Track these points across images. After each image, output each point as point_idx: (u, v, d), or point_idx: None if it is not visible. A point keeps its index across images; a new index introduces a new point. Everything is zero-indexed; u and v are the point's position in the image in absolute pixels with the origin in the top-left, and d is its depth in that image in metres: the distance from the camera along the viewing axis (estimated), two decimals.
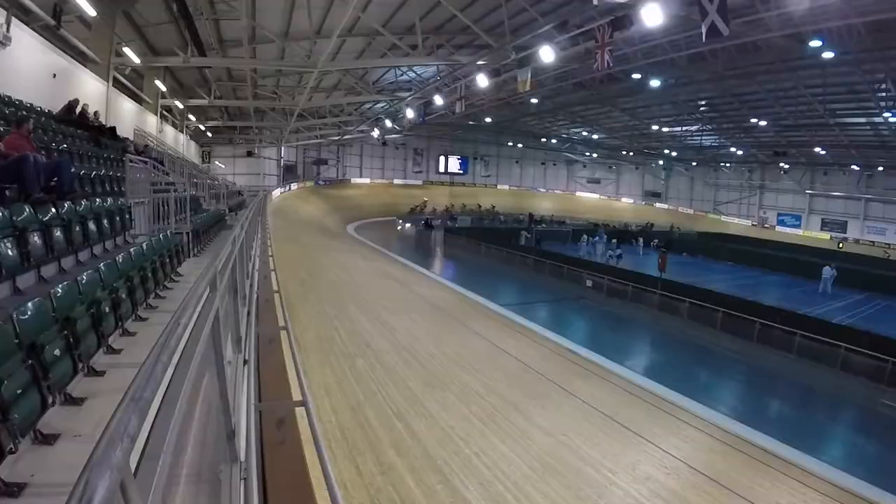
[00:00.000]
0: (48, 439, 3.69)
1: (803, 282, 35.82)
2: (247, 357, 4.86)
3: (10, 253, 5.26)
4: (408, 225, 57.36)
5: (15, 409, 3.47)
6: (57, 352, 4.28)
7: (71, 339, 4.59)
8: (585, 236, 47.00)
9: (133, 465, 1.18)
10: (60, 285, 4.96)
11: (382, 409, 8.41)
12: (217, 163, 50.04)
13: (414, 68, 37.45)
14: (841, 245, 54.29)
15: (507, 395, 10.51)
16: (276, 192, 49.47)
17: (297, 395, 4.78)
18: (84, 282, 5.45)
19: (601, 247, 44.11)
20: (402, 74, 39.78)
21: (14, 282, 5.35)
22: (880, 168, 50.72)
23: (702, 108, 47.20)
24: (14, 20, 14.40)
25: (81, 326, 4.83)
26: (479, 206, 70.29)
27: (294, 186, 57.85)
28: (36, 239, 5.83)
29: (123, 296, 6.17)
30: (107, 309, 5.54)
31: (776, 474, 9.24)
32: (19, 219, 5.58)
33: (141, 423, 1.12)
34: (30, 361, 3.84)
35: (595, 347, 17.42)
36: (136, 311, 6.71)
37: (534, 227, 56.26)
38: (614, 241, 43.45)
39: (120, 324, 5.99)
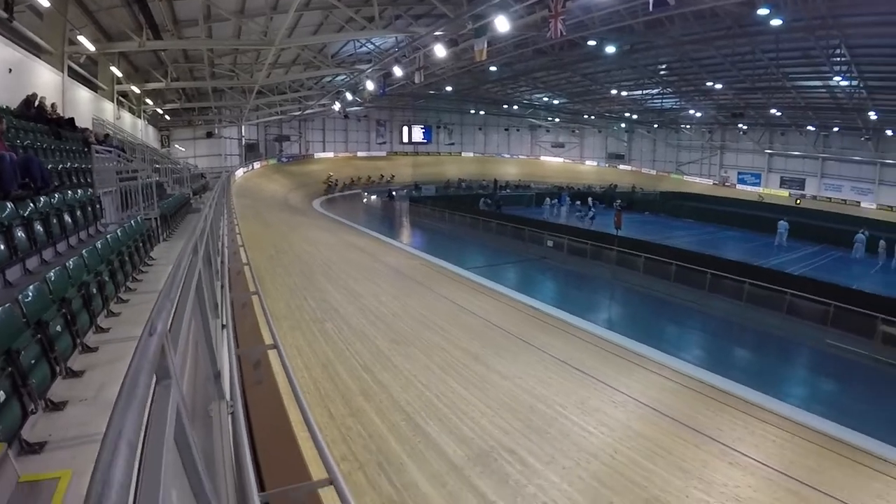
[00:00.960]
0: (58, 406, 4.37)
1: (761, 236, 37.16)
2: (224, 322, 5.58)
3: (0, 247, 5.86)
4: (373, 197, 57.65)
5: (32, 376, 4.16)
6: (58, 328, 4.96)
7: (68, 317, 5.26)
8: (548, 199, 47.98)
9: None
10: (53, 271, 5.59)
11: (351, 364, 9.24)
12: (177, 146, 49.39)
13: (372, 40, 37.50)
14: (798, 201, 55.65)
15: (468, 347, 11.31)
16: (240, 172, 49.32)
17: (268, 339, 5.56)
18: (72, 267, 6.07)
19: (566, 209, 45.23)
20: (361, 46, 39.70)
21: (4, 275, 5.87)
22: (836, 129, 51.90)
23: (661, 73, 47.62)
24: None
25: (76, 306, 5.50)
26: (381, 177, 69.15)
27: (257, 165, 57.69)
28: (20, 233, 6.39)
29: (106, 278, 6.82)
30: (94, 290, 6.19)
31: (732, 411, 9.93)
32: (3, 215, 6.15)
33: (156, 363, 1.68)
34: (38, 336, 4.52)
35: (555, 303, 18.33)
36: (117, 293, 7.36)
37: (498, 193, 57.07)
38: (589, 201, 44.86)
39: (105, 305, 6.64)
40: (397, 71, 33.73)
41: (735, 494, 6.99)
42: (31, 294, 4.82)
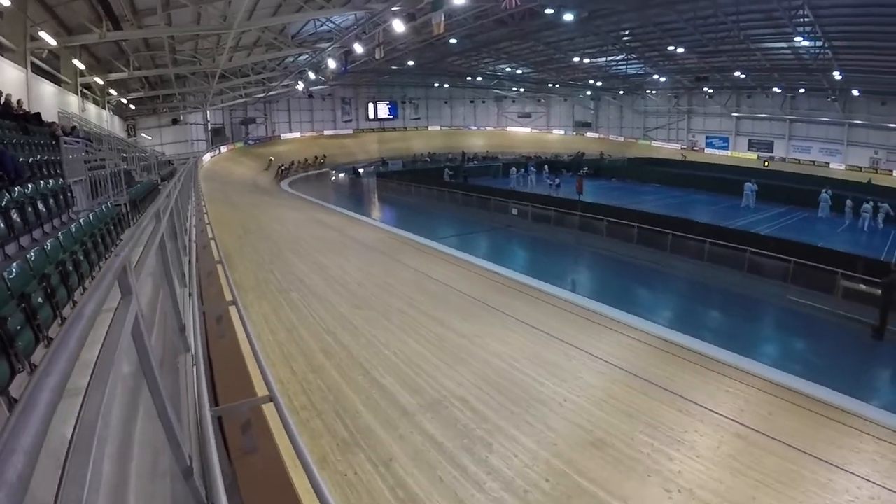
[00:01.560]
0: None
1: (728, 198, 37.72)
2: (191, 291, 6.23)
3: None
4: (341, 175, 57.91)
5: (18, 340, 4.80)
6: (40, 300, 5.59)
7: (48, 290, 5.89)
8: (514, 169, 48.61)
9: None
10: (33, 251, 6.22)
11: (314, 328, 9.92)
12: (143, 135, 49.22)
13: (332, 18, 37.44)
14: (767, 164, 56.24)
15: (428, 310, 11.99)
16: (207, 157, 49.53)
17: (229, 298, 6.26)
18: (49, 248, 6.69)
19: (533, 178, 45.99)
20: (321, 25, 39.71)
21: None
22: (802, 90, 52.23)
23: (625, 38, 48.03)
24: None
25: (54, 281, 6.13)
26: (316, 157, 65.20)
27: (224, 149, 57.75)
28: None
29: (81, 258, 7.44)
30: (70, 268, 6.82)
31: (687, 364, 10.33)
32: None
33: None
34: (22, 305, 5.15)
35: (519, 269, 18.98)
36: (92, 272, 7.97)
37: (465, 165, 57.61)
38: (556, 174, 45.33)
39: (81, 282, 7.26)
40: (358, 48, 34.21)
41: (680, 438, 7.37)
42: (14, 271, 5.45)
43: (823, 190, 34.17)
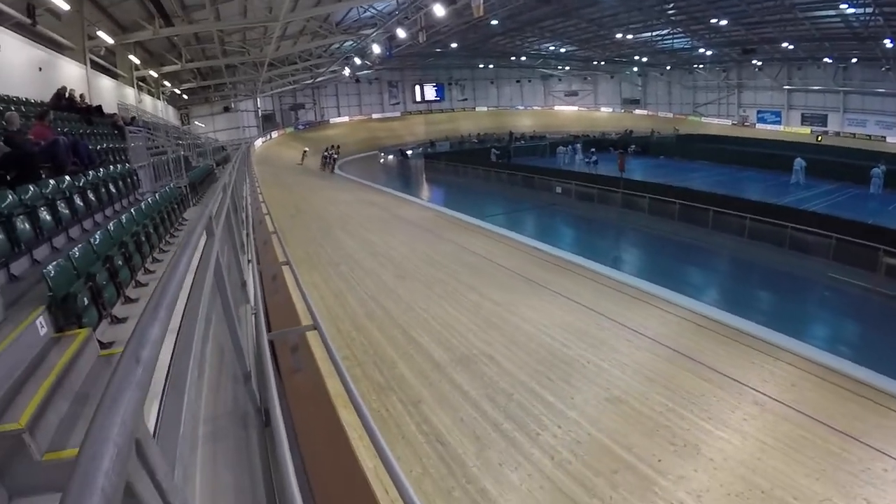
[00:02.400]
0: (120, 321, 5.88)
1: (778, 175, 36.73)
2: (249, 257, 7.08)
3: (65, 211, 7.39)
4: (390, 157, 58.74)
5: (105, 292, 5.67)
6: (119, 262, 6.47)
7: (126, 255, 6.79)
8: (561, 148, 48.84)
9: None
10: (111, 223, 7.15)
11: (359, 295, 10.76)
12: (197, 123, 50.93)
13: (374, 5, 38.24)
14: (820, 138, 53.98)
15: (467, 281, 12.65)
16: (258, 142, 50.78)
17: (282, 257, 7.09)
18: (124, 222, 7.64)
19: (579, 156, 46.24)
20: (364, 12, 40.57)
21: (68, 233, 7.44)
22: (854, 60, 50.16)
23: (669, 12, 47.49)
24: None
25: (130, 248, 7.03)
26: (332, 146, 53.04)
27: (275, 135, 59.16)
28: (78, 201, 7.95)
29: (151, 230, 8.38)
30: (143, 239, 7.74)
31: (713, 335, 10.46)
32: (63, 186, 7.69)
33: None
34: (107, 265, 6.03)
35: (559, 245, 19.33)
36: (160, 244, 8.92)
37: (512, 145, 57.93)
38: (592, 149, 45.24)
39: (151, 251, 8.19)
40: (401, 33, 34.86)
41: (697, 401, 7.59)
42: (98, 238, 6.37)
43: (875, 165, 32.95)
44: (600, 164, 39.51)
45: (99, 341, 4.90)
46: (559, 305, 11.50)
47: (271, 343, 4.40)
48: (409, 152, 58.07)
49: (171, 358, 2.79)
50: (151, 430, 1.30)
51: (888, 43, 42.19)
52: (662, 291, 13.04)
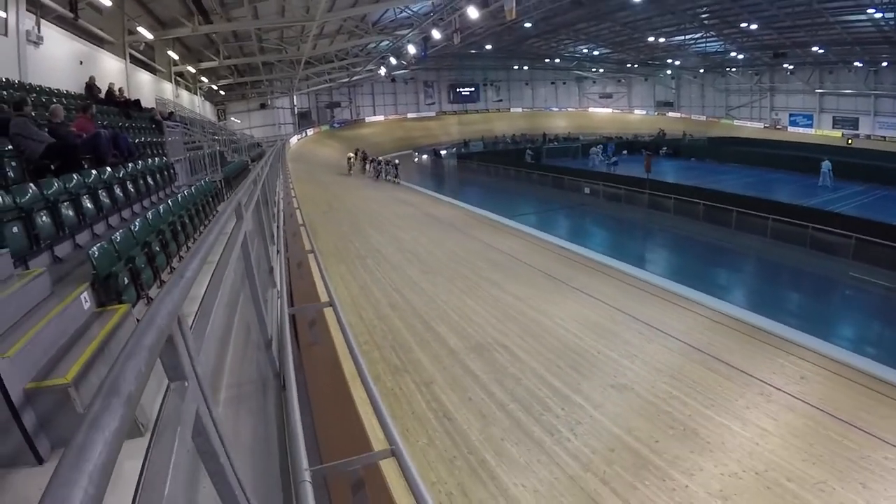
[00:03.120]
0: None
1: (806, 177, 36.83)
2: (279, 248, 7.47)
3: (105, 200, 7.84)
4: (424, 156, 59.10)
5: (143, 274, 6.08)
6: (157, 248, 6.89)
7: (163, 242, 7.21)
8: (594, 149, 49.03)
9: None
10: (150, 212, 7.58)
11: (384, 287, 11.18)
12: (233, 119, 51.60)
13: (410, 6, 38.51)
14: (850, 141, 54.16)
15: (489, 276, 13.02)
16: (294, 140, 51.55)
17: (308, 247, 7.49)
18: (162, 211, 8.07)
19: (599, 158, 46.77)
20: (400, 12, 40.89)
21: (107, 221, 7.89)
22: (885, 64, 50.24)
23: (702, 16, 47.67)
24: (42, 21, 16.77)
25: (168, 236, 7.46)
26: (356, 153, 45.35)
27: (310, 132, 59.90)
28: (118, 191, 8.41)
29: (187, 220, 8.82)
30: (179, 228, 8.17)
31: (727, 330, 10.55)
32: (105, 177, 8.15)
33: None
34: (145, 250, 6.45)
35: (584, 244, 19.46)
36: (195, 234, 9.35)
37: (544, 146, 58.15)
38: (610, 149, 46.58)
39: (186, 241, 8.63)
40: (436, 34, 35.21)
41: (702, 391, 7.87)
42: (137, 225, 6.79)
43: None
44: (629, 165, 39.66)
45: (136, 319, 5.28)
46: (578, 300, 11.83)
47: (292, 317, 4.78)
48: (444, 152, 58.37)
49: (194, 319, 3.13)
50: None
51: None
52: (682, 289, 13.29)
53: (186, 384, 1.45)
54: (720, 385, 8.10)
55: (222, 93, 49.32)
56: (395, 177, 36.77)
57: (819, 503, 5.64)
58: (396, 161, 40.04)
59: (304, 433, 2.58)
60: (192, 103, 37.82)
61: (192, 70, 37.51)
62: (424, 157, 59.12)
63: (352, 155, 43.83)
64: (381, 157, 42.47)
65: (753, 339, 9.98)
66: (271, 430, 3.17)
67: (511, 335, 9.34)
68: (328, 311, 4.98)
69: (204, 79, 42.69)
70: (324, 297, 5.40)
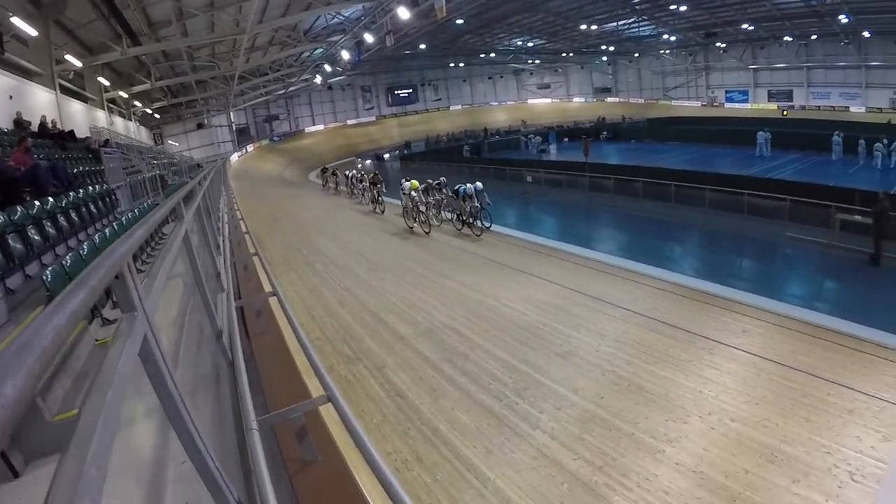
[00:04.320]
0: (111, 322, 6.53)
1: (744, 150, 38.70)
2: (224, 257, 7.75)
3: (51, 230, 8.00)
4: (367, 161, 59.18)
5: None
6: None
7: None
8: (522, 138, 50.35)
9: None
10: (85, 243, 7.76)
11: (334, 287, 11.53)
12: (170, 142, 50.84)
13: (341, 11, 38.73)
14: (785, 113, 55.92)
15: (437, 269, 13.40)
16: (234, 157, 51.39)
17: (252, 251, 7.81)
18: (98, 241, 8.21)
19: (532, 146, 48.05)
20: (332, 19, 41.11)
21: (54, 251, 8.04)
22: (814, 37, 52.01)
23: (633, 1, 49.06)
24: None
25: None
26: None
27: (250, 148, 59.65)
28: (62, 220, 8.56)
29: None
30: None
31: (671, 296, 10.80)
32: (48, 207, 8.30)
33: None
34: None
35: (530, 230, 20.01)
36: (142, 256, 9.53)
37: (486, 140, 58.91)
38: (538, 138, 48.56)
39: (135, 262, 8.82)
40: (369, 37, 35.48)
41: (647, 350, 8.23)
42: (86, 249, 7.01)
43: (835, 133, 34.89)
44: (570, 152, 40.60)
45: (95, 339, 5.54)
46: (523, 282, 12.20)
47: (240, 310, 5.13)
48: (386, 156, 58.65)
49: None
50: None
51: (843, 18, 43.67)
52: (628, 263, 13.60)
53: (136, 314, 1.80)
54: (663, 343, 8.48)
55: (157, 116, 48.65)
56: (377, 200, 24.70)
57: (763, 437, 6.01)
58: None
59: (254, 410, 2.95)
60: (126, 129, 37.21)
61: (125, 95, 36.95)
62: (368, 162, 59.21)
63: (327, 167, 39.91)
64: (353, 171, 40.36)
65: (696, 302, 10.39)
66: (226, 407, 3.51)
67: (458, 318, 9.72)
68: (272, 300, 5.37)
69: (137, 103, 42.04)
70: (268, 289, 5.76)
